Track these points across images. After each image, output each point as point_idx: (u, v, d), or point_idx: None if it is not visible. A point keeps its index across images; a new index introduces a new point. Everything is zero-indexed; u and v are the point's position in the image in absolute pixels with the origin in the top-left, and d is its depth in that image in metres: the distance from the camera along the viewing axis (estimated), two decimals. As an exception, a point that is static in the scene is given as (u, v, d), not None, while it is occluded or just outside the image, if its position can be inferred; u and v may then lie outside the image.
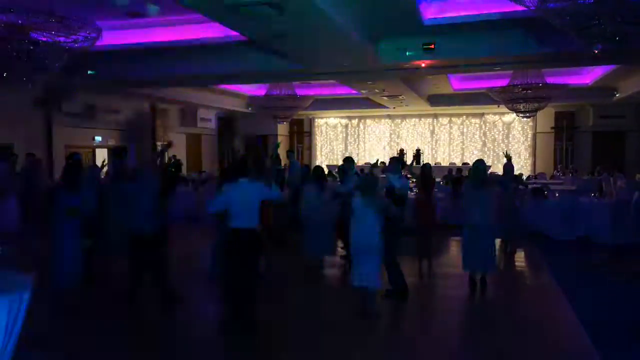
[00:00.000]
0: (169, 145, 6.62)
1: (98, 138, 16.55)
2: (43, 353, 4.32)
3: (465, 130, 21.33)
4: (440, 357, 4.45)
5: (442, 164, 19.91)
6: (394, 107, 19.36)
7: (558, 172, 17.72)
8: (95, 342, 4.71)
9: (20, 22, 6.24)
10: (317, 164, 21.98)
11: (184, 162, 18.37)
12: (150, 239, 5.36)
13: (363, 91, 15.47)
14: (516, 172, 18.74)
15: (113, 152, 9.52)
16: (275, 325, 5.15)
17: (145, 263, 5.43)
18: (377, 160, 12.19)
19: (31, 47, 6.68)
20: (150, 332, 5.07)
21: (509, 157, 9.19)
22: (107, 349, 4.58)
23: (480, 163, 6.36)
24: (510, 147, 20.58)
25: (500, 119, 20.70)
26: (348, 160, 7.62)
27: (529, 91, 13.16)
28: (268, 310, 5.35)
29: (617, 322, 5.24)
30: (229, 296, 5.03)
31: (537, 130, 20.18)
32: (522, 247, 8.97)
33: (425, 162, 11.56)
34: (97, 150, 16.76)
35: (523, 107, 13.97)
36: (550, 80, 13.30)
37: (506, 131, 20.79)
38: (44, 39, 6.71)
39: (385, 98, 16.62)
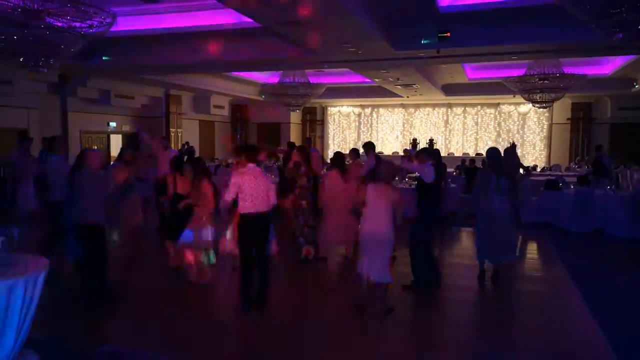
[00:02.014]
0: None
1: (112, 124, 16.70)
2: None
3: (479, 120, 21.09)
4: (450, 349, 4.45)
5: (456, 154, 19.77)
6: (408, 96, 19.19)
7: (575, 164, 17.46)
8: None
9: (36, 7, 6.27)
10: (329, 152, 22.00)
11: (197, 149, 18.48)
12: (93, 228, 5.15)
13: (377, 80, 15.34)
14: (530, 163, 18.78)
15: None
16: (282, 315, 5.19)
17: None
18: None
19: (47, 32, 6.72)
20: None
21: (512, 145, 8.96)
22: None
23: (495, 150, 6.31)
24: (525, 138, 20.37)
25: (515, 109, 20.42)
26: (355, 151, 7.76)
27: (546, 81, 12.93)
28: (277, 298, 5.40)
29: (633, 317, 5.19)
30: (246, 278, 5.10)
31: (553, 121, 19.88)
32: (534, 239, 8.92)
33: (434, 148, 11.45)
34: (112, 136, 16.94)
35: (539, 97, 13.74)
36: (568, 70, 13.04)
37: (521, 122, 20.52)
38: (60, 24, 6.74)
39: (399, 87, 16.47)
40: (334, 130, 23.31)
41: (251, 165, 5.04)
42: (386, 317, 4.96)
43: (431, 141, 18.91)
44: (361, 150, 8.15)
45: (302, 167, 6.89)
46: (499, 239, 6.08)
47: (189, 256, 5.79)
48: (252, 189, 4.91)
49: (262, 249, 5.12)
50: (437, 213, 5.84)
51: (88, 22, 6.76)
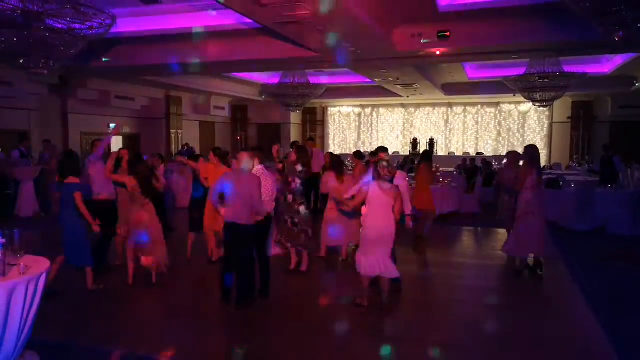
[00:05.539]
0: None
1: (113, 125, 16.67)
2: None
3: (480, 119, 21.09)
4: (450, 347, 4.45)
5: (456, 154, 19.77)
6: (408, 96, 19.20)
7: (574, 162, 17.46)
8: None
9: (36, 8, 6.27)
10: (330, 152, 21.98)
11: (197, 150, 18.48)
12: None
13: (377, 79, 15.34)
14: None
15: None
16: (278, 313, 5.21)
17: None
18: None
19: (47, 34, 6.71)
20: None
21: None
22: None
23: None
24: (525, 137, 20.36)
25: (516, 108, 20.42)
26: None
27: (546, 80, 12.90)
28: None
29: (634, 315, 5.17)
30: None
31: (554, 120, 19.87)
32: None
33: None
34: (112, 138, 16.92)
35: (540, 96, 13.72)
36: (568, 68, 13.03)
37: (522, 121, 20.52)
38: (60, 25, 6.73)
39: (399, 86, 16.47)
40: (334, 130, 23.31)
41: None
42: (384, 310, 5.00)
43: (431, 140, 18.95)
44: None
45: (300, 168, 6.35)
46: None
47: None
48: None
49: (262, 250, 5.25)
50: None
51: (88, 23, 6.75)
